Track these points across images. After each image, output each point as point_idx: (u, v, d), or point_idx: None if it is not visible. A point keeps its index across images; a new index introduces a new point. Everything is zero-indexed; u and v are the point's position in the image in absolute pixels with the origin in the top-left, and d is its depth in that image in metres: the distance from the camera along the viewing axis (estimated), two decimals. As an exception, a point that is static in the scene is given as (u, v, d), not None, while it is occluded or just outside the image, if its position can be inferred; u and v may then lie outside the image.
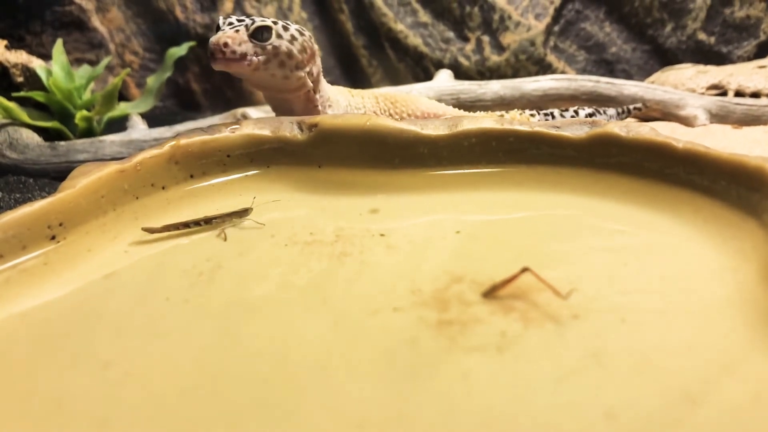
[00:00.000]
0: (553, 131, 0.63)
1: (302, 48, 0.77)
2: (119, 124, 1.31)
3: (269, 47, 0.74)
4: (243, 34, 0.73)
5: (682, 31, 1.71)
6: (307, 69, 0.79)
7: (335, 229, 0.57)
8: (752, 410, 0.34)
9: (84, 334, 0.45)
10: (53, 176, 1.14)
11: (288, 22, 0.78)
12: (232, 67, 0.73)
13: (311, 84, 0.81)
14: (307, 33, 0.79)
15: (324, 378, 0.39)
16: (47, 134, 1.23)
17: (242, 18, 0.76)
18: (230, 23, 0.75)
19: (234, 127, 0.67)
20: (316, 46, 0.81)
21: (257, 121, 0.69)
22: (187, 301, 0.48)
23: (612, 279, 0.47)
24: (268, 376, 0.39)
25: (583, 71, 1.76)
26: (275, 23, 0.75)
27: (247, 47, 0.73)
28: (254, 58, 0.73)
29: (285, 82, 0.78)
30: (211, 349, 0.42)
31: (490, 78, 1.67)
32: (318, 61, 0.83)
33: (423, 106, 0.98)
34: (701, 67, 1.52)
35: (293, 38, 0.76)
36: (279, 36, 0.75)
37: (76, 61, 1.62)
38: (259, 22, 0.73)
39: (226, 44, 0.71)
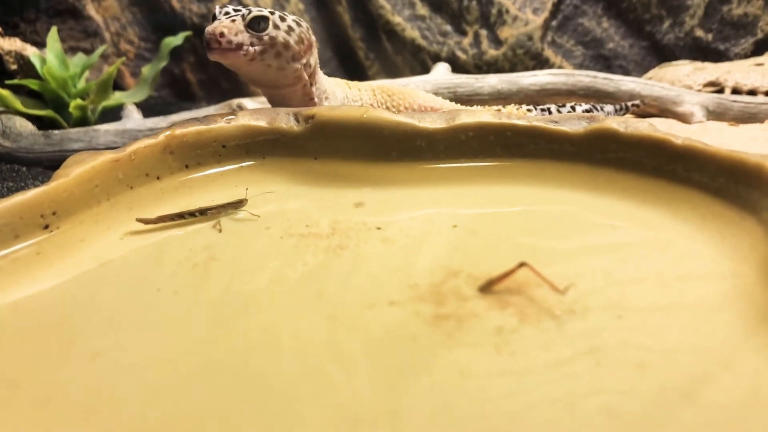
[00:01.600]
0: (552, 126, 0.62)
1: (299, 39, 0.76)
2: (114, 114, 1.30)
3: (266, 37, 0.73)
4: (239, 24, 0.72)
5: (680, 28, 1.71)
6: (304, 61, 0.79)
7: (331, 221, 0.57)
8: (749, 407, 0.34)
9: (76, 324, 0.44)
10: (47, 165, 1.13)
11: (285, 13, 0.77)
12: (228, 57, 0.73)
13: (307, 77, 0.81)
14: (304, 24, 0.79)
15: (318, 372, 0.38)
16: (41, 123, 1.23)
17: (239, 8, 0.75)
18: (226, 13, 0.74)
19: (230, 117, 0.67)
20: (313, 38, 0.81)
21: (253, 111, 0.68)
22: (180, 292, 0.47)
23: (609, 275, 0.47)
24: (261, 369, 0.39)
25: (580, 66, 1.76)
26: (272, 13, 0.75)
27: (244, 37, 0.72)
28: (250, 48, 0.73)
29: (280, 74, 0.78)
30: (204, 342, 0.42)
31: (488, 72, 1.67)
32: (315, 52, 0.82)
33: (420, 99, 0.97)
34: (698, 64, 1.52)
35: (290, 29, 0.76)
36: (276, 26, 0.74)
37: (71, 50, 1.61)
38: (255, 12, 0.73)
39: (222, 34, 0.71)
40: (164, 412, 0.36)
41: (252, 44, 0.73)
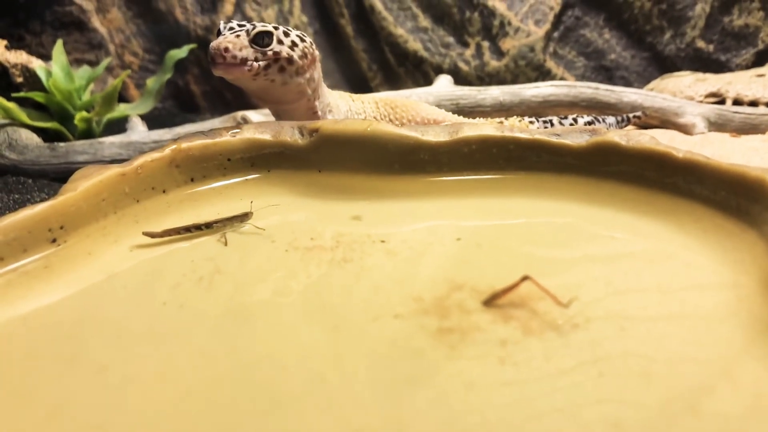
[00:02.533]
0: (554, 139, 0.63)
1: (303, 54, 0.77)
2: (119, 126, 1.31)
3: (270, 52, 0.74)
4: (244, 39, 0.73)
5: (681, 39, 1.72)
6: (307, 75, 0.79)
7: (335, 234, 0.57)
8: (752, 417, 0.34)
9: (83, 337, 0.44)
10: (52, 177, 1.14)
11: (289, 28, 0.78)
12: (233, 72, 0.73)
13: (310, 91, 0.81)
14: (308, 39, 0.79)
15: (322, 384, 0.39)
16: (46, 135, 1.24)
17: (243, 23, 0.76)
18: (231, 28, 0.75)
19: (235, 131, 0.67)
20: (316, 52, 0.81)
21: (258, 125, 0.69)
22: (186, 305, 0.48)
23: (611, 286, 0.48)
24: (266, 381, 0.39)
25: (582, 77, 1.76)
26: (276, 29, 0.75)
27: (248, 52, 0.73)
28: (254, 63, 0.73)
29: (284, 89, 0.78)
30: (209, 354, 0.42)
31: (490, 83, 1.67)
32: (318, 67, 0.83)
33: (423, 111, 0.98)
34: (700, 75, 1.52)
35: (294, 44, 0.76)
36: (280, 41, 0.75)
37: (76, 62, 1.62)
38: (260, 27, 0.74)
39: (227, 49, 0.72)
40: (170, 425, 0.36)
41: (256, 59, 0.73)
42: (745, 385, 0.37)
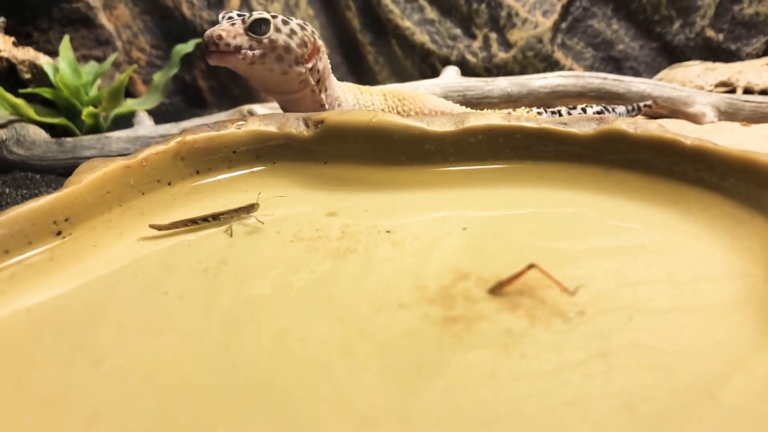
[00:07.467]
0: (561, 128, 0.62)
1: (302, 42, 0.76)
2: (126, 121, 1.31)
3: (266, 40, 0.73)
4: (239, 27, 0.72)
5: (691, 28, 1.70)
6: (309, 65, 0.78)
7: (341, 225, 0.57)
8: (764, 408, 0.34)
9: (86, 329, 0.45)
10: (60, 172, 1.14)
11: (290, 17, 0.77)
12: (227, 60, 0.72)
13: (314, 82, 0.80)
14: (309, 28, 0.78)
15: (328, 374, 0.38)
16: (54, 130, 1.24)
17: (243, 13, 0.75)
18: (229, 17, 0.74)
19: (240, 123, 0.67)
20: (320, 42, 0.80)
21: (263, 117, 0.69)
22: (191, 297, 0.48)
23: (619, 276, 0.47)
24: (271, 372, 0.39)
25: (590, 68, 1.75)
26: (274, 17, 0.74)
27: (242, 40, 0.72)
28: (249, 51, 0.72)
29: (285, 78, 0.77)
30: (214, 345, 0.42)
31: (497, 75, 1.66)
32: (324, 57, 0.82)
33: (430, 103, 0.97)
34: (709, 65, 1.51)
35: (292, 32, 0.75)
36: (277, 29, 0.74)
37: (83, 58, 1.62)
38: (256, 15, 0.72)
39: (220, 37, 0.71)
40: (170, 417, 0.36)
41: (251, 47, 0.72)
42: (759, 376, 0.36)
